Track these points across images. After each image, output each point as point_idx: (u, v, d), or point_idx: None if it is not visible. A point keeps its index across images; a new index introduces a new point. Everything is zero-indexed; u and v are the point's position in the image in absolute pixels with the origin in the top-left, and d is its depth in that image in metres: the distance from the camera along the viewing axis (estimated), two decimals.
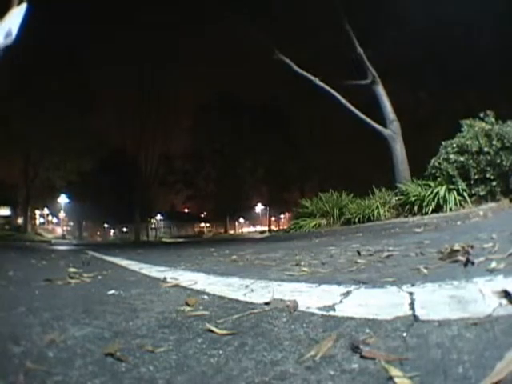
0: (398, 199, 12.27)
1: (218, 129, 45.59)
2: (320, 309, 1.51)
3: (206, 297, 2.03)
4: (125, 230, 59.05)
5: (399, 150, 16.12)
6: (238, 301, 1.85)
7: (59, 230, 51.79)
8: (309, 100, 28.97)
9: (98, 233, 62.31)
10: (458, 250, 2.54)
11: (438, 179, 11.23)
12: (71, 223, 58.44)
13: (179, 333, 1.39)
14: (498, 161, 10.11)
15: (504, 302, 1.28)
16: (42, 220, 56.86)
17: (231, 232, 55.00)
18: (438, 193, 10.65)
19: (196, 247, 8.64)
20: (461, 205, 10.44)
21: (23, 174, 37.64)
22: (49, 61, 29.08)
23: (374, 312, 1.38)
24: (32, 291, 2.45)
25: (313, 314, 1.46)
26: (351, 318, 1.34)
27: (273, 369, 1.00)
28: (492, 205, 9.72)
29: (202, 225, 68.73)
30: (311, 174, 45.21)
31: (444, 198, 10.51)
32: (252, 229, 64.11)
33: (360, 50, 17.12)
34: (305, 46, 18.59)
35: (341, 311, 1.45)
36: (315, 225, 13.45)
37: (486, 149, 10.31)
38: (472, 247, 2.63)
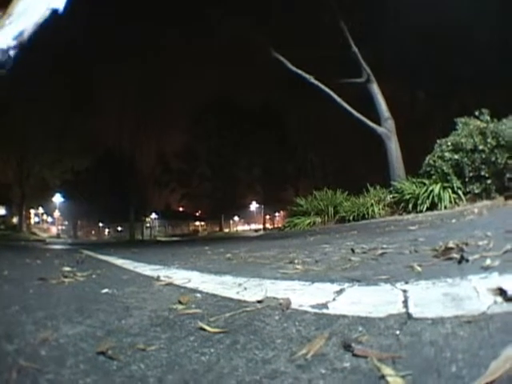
0: (393, 197, 12.32)
1: (214, 128, 45.57)
2: (313, 307, 1.50)
3: (198, 295, 2.02)
4: (120, 228, 58.67)
5: (394, 148, 16.17)
6: (230, 299, 1.84)
7: (54, 229, 51.62)
8: (304, 99, 29.02)
9: (93, 232, 61.87)
10: (452, 248, 2.54)
11: (433, 177, 11.27)
12: (66, 222, 58.15)
13: (171, 331, 1.38)
14: (493, 159, 10.16)
15: (499, 299, 1.28)
16: (36, 219, 56.50)
17: (226, 230, 55.03)
18: (432, 191, 10.70)
19: (190, 246, 8.62)
20: (455, 203, 10.49)
21: (18, 173, 37.39)
22: (46, 60, 28.85)
23: (367, 310, 1.37)
24: (26, 290, 2.45)
25: (305, 312, 1.45)
26: (344, 316, 1.34)
27: (264, 367, 0.99)
28: (487, 202, 9.77)
29: (197, 223, 68.51)
30: (306, 172, 45.28)
31: (439, 195, 10.56)
32: (247, 227, 63.96)
33: (355, 49, 17.16)
34: (300, 44, 18.59)
35: (334, 309, 1.45)
36: (310, 223, 13.48)
37: (480, 147, 10.35)
38: (466, 245, 2.64)
